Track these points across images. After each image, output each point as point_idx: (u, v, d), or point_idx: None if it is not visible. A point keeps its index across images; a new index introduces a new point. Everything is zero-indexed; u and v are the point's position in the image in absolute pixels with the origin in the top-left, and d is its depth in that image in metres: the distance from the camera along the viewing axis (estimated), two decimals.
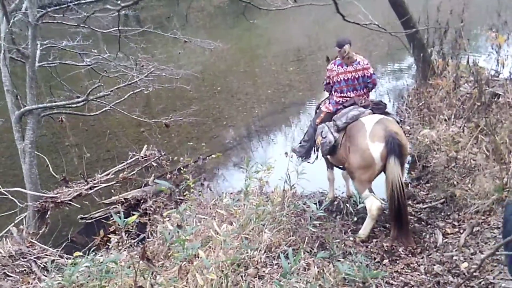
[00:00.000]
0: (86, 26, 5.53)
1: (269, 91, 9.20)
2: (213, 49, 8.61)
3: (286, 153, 4.70)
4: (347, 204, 4.21)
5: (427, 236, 3.95)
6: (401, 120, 6.37)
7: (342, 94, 4.24)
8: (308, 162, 4.67)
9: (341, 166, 4.43)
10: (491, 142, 4.45)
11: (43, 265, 3.71)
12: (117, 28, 6.49)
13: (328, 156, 4.36)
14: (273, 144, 6.92)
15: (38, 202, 4.75)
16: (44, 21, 5.38)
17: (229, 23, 16.78)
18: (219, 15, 19.37)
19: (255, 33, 14.15)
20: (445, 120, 5.39)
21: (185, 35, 8.03)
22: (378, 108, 4.12)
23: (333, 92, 4.33)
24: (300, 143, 4.73)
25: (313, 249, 3.44)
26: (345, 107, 4.15)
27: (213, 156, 5.99)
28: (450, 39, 6.56)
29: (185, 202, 4.25)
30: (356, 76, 4.18)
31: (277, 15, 14.83)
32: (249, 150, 6.83)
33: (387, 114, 4.13)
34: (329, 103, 4.39)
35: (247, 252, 3.05)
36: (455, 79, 5.95)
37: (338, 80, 4.19)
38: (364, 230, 3.91)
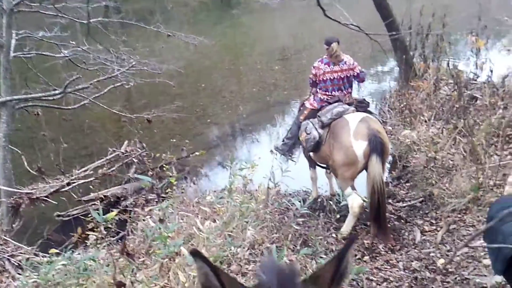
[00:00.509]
0: (64, 16, 5.37)
1: (254, 89, 9.18)
2: (197, 44, 8.52)
3: (271, 151, 4.68)
4: (330, 202, 4.24)
5: (406, 234, 4.03)
6: (383, 121, 6.47)
7: (327, 93, 4.26)
8: (292, 160, 4.67)
9: (324, 165, 4.45)
10: (468, 143, 4.56)
11: (17, 263, 3.58)
12: (97, 19, 6.36)
13: (311, 154, 4.37)
14: (257, 142, 6.91)
15: (12, 198, 4.58)
16: (20, 9, 5.19)
17: (213, 19, 16.64)
18: (203, 11, 19.19)
19: (240, 30, 14.11)
20: (425, 121, 5.49)
21: (169, 29, 7.91)
22: (362, 106, 4.17)
23: (318, 90, 4.34)
24: (283, 140, 4.73)
25: (296, 246, 3.46)
26: (329, 103, 4.16)
27: (197, 153, 5.92)
28: (431, 43, 6.68)
29: (168, 200, 4.19)
30: (342, 76, 4.20)
31: (262, 13, 14.82)
32: (233, 148, 6.79)
33: (370, 112, 4.19)
34: (314, 99, 4.40)
35: (231, 249, 3.03)
36: (435, 81, 6.07)
37: (324, 79, 4.21)
38: (346, 228, 3.94)
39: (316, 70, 4.23)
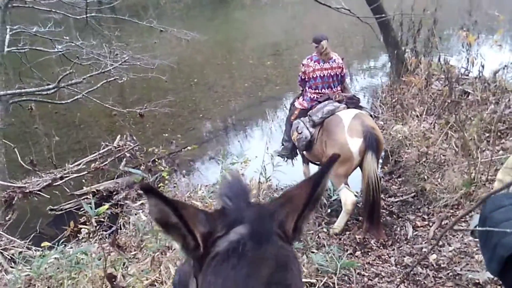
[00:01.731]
0: (58, 11, 5.33)
1: (246, 84, 9.17)
2: (189, 40, 8.49)
3: (267, 148, 4.63)
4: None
5: (398, 229, 4.05)
6: (375, 116, 6.50)
7: (317, 91, 4.24)
8: (296, 159, 4.66)
9: (318, 163, 4.46)
10: (460, 138, 4.59)
11: (10, 257, 3.57)
12: (90, 15, 6.31)
13: (304, 152, 4.37)
14: (249, 137, 6.91)
15: (5, 192, 4.57)
16: (14, 4, 5.16)
17: (207, 15, 16.57)
18: (196, 7, 19.09)
19: (232, 26, 14.07)
20: (417, 116, 5.53)
21: (162, 25, 7.87)
22: (352, 102, 4.15)
23: (307, 88, 4.32)
24: (282, 144, 4.70)
25: None
26: (319, 102, 4.14)
27: (189, 148, 5.92)
28: (423, 38, 6.71)
29: None
30: (332, 74, 4.19)
31: (255, 9, 14.78)
32: (225, 143, 6.79)
33: (361, 108, 4.18)
34: (303, 99, 4.37)
35: None
36: (427, 76, 6.10)
37: (314, 76, 4.19)
38: (339, 224, 3.95)
39: (306, 67, 4.20)
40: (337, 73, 4.21)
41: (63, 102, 5.59)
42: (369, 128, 3.67)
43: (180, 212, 0.63)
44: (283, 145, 4.66)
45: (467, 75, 6.06)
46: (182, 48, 10.38)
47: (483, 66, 5.65)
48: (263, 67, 10.23)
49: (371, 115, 4.29)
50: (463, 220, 3.91)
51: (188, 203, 0.67)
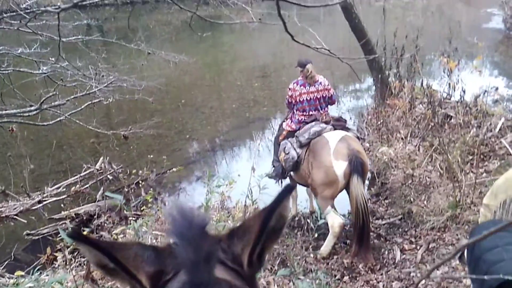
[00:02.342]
0: (43, 34, 5.29)
1: (233, 105, 9.19)
2: (177, 62, 8.51)
3: (252, 168, 4.59)
4: (308, 220, 4.21)
5: (386, 252, 4.01)
6: (361, 138, 6.53)
7: (305, 113, 4.27)
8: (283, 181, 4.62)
9: (305, 184, 4.43)
10: (444, 161, 4.63)
11: None
12: (77, 37, 6.29)
13: (292, 173, 4.36)
14: (236, 158, 6.87)
15: None
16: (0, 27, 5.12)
17: (195, 38, 16.73)
18: (185, 30, 19.29)
19: (221, 49, 14.21)
20: (402, 138, 5.58)
21: (150, 47, 7.88)
22: (339, 124, 4.21)
23: (295, 111, 4.35)
24: (273, 165, 4.69)
25: (273, 266, 3.38)
26: (307, 123, 4.17)
27: (174, 169, 5.84)
28: (405, 63, 6.87)
29: (142, 218, 4.08)
30: (318, 96, 4.23)
31: (243, 33, 15.01)
32: (212, 164, 6.72)
33: (347, 129, 4.23)
34: (292, 121, 4.39)
35: None
36: (410, 100, 6.21)
37: (301, 100, 4.21)
38: (326, 247, 3.91)
39: (292, 92, 4.23)
40: (324, 95, 4.25)
41: (45, 124, 5.49)
42: (354, 151, 3.69)
43: (116, 256, 0.57)
44: (274, 166, 4.65)
45: (449, 99, 6.20)
46: (170, 69, 10.40)
47: (464, 91, 5.78)
48: (251, 88, 10.29)
49: (358, 137, 4.34)
50: (449, 243, 3.90)
51: (131, 242, 0.61)
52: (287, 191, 0.64)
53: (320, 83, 4.22)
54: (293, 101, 4.28)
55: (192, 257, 0.55)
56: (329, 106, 4.42)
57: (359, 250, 3.78)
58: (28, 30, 5.56)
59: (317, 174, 3.82)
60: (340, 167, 3.68)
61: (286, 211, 0.64)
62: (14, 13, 4.90)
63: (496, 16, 16.12)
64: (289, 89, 4.28)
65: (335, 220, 3.78)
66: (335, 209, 3.88)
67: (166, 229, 0.64)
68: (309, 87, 4.18)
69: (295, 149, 4.10)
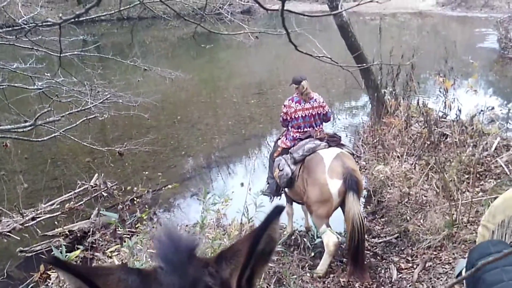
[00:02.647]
0: (39, 49, 5.28)
1: (229, 122, 9.20)
2: (174, 78, 8.54)
3: (241, 184, 4.63)
4: (305, 239, 4.17)
5: (382, 271, 3.98)
6: (357, 156, 6.54)
7: (300, 130, 4.29)
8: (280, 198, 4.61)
9: (300, 201, 4.41)
10: (440, 180, 4.64)
11: None
12: (73, 52, 6.31)
13: (286, 190, 4.34)
14: (232, 175, 6.84)
15: None
16: None
17: (192, 54, 16.88)
18: (182, 46, 19.47)
19: (217, 65, 14.32)
20: (398, 157, 5.59)
21: (146, 63, 7.91)
22: (333, 140, 4.20)
23: (290, 128, 4.36)
24: (267, 182, 4.68)
25: (269, 285, 3.34)
26: (301, 140, 4.18)
27: (169, 186, 5.79)
28: (401, 81, 6.94)
29: (137, 235, 4.03)
30: (313, 113, 4.26)
31: (239, 49, 15.15)
32: (207, 181, 6.68)
33: (342, 146, 4.22)
34: (286, 138, 4.40)
35: None
36: (406, 118, 6.25)
37: (296, 116, 4.24)
38: (322, 266, 3.87)
39: (287, 108, 4.26)
40: (319, 112, 4.28)
41: (39, 139, 5.45)
42: (349, 169, 3.69)
43: (97, 284, 0.55)
44: (268, 183, 4.63)
45: (445, 118, 6.24)
46: (166, 86, 10.42)
47: (460, 110, 5.83)
48: (247, 105, 10.33)
49: (352, 154, 4.36)
50: (446, 262, 3.88)
51: (115, 266, 0.59)
52: (276, 213, 0.61)
53: (315, 100, 4.26)
54: (288, 118, 4.30)
55: (177, 283, 0.53)
56: (324, 123, 4.44)
57: (354, 270, 3.74)
58: (23, 45, 5.59)
59: (311, 192, 3.82)
60: (334, 185, 3.69)
61: (276, 234, 0.62)
62: (10, 28, 4.93)
63: (490, 35, 16.40)
64: (284, 105, 4.31)
65: (330, 239, 3.76)
66: (330, 227, 3.87)
67: (153, 253, 0.62)
68: (304, 104, 4.22)
69: (289, 166, 4.10)
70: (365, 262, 3.85)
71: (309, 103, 4.23)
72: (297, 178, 4.05)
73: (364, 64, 5.39)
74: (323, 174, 3.74)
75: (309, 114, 4.24)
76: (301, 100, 4.22)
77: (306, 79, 4.20)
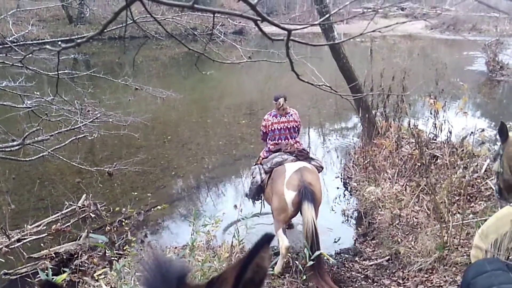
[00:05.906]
0: (28, 67, 5.24)
1: (220, 142, 9.17)
2: (165, 98, 8.53)
3: (235, 206, 4.74)
4: (296, 262, 4.11)
5: None
6: (348, 177, 6.55)
7: (275, 141, 4.74)
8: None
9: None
10: (431, 201, 4.65)
11: None
12: (63, 72, 6.28)
13: (262, 196, 4.77)
14: (222, 196, 6.77)
15: None
16: None
17: (183, 73, 16.96)
18: (173, 66, 19.57)
19: (208, 85, 14.36)
20: (389, 178, 5.61)
21: (137, 82, 7.89)
22: (302, 155, 4.64)
23: (268, 141, 4.83)
24: (249, 187, 5.00)
25: None
26: (273, 152, 4.66)
27: (159, 207, 5.70)
28: (392, 103, 7.02)
29: (124, 258, 3.93)
30: (289, 126, 4.73)
31: (230, 69, 15.26)
32: (197, 202, 6.60)
33: (311, 160, 4.68)
34: (265, 150, 4.89)
35: None
36: (397, 140, 6.29)
37: (273, 129, 4.72)
38: (278, 266, 4.24)
39: (266, 121, 4.76)
40: (294, 125, 4.76)
41: (27, 159, 5.35)
42: (305, 183, 4.09)
43: None
44: (250, 187, 5.00)
45: (435, 140, 6.30)
46: (157, 105, 10.41)
47: (450, 132, 5.90)
48: (238, 125, 10.33)
49: (321, 167, 4.82)
50: (437, 285, 3.84)
51: None
52: (265, 241, 0.60)
53: (291, 114, 4.75)
54: (266, 130, 4.79)
55: None
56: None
57: (313, 275, 3.93)
58: (10, 63, 5.54)
59: (274, 200, 4.31)
60: (289, 196, 4.11)
61: (265, 262, 0.60)
62: (1, 46, 4.90)
63: (479, 58, 16.77)
64: (264, 119, 4.82)
65: (283, 242, 4.17)
66: (285, 232, 4.38)
67: (141, 282, 0.59)
68: (280, 118, 4.71)
69: (261, 174, 4.60)
70: (325, 267, 4.15)
71: (285, 117, 4.71)
72: (266, 186, 4.55)
73: (360, 94, 5.76)
74: (282, 186, 4.18)
75: (284, 127, 4.71)
76: (278, 115, 4.71)
77: (285, 98, 4.68)
